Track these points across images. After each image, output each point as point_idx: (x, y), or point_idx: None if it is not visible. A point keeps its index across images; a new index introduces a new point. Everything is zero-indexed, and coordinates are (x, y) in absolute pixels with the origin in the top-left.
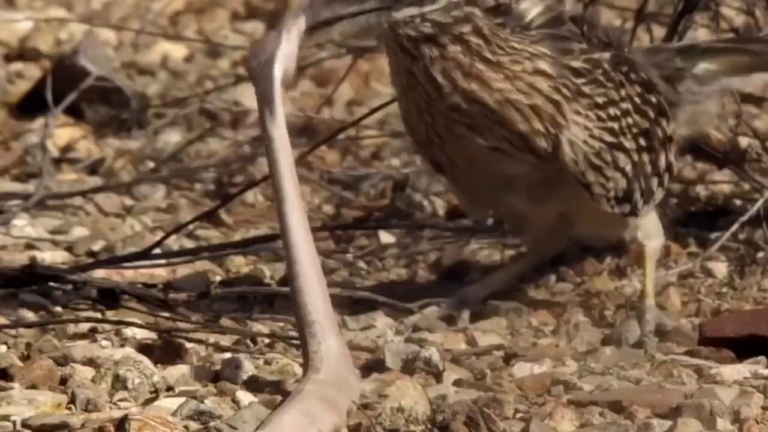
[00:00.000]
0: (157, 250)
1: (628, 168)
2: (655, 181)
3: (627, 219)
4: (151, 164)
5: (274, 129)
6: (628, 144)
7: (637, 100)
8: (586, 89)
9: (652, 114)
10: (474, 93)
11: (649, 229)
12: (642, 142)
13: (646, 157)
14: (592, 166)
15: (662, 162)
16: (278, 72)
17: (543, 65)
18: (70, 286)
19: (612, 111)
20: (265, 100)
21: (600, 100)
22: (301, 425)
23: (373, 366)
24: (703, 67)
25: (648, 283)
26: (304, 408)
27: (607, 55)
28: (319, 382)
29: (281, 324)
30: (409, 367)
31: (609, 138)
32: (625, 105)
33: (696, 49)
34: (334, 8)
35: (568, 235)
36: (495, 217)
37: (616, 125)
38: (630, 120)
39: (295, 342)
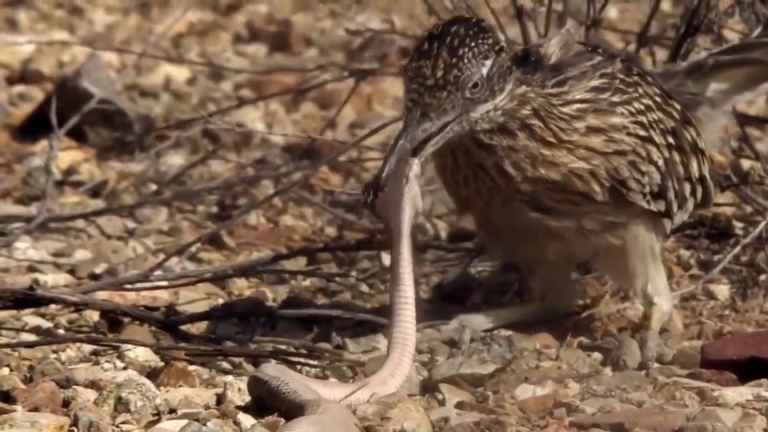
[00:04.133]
0: (159, 273)
1: (661, 163)
2: (687, 187)
3: (644, 265)
4: (153, 187)
5: (403, 267)
6: (658, 139)
7: (658, 99)
8: (614, 98)
9: (676, 115)
10: (541, 176)
11: (658, 286)
12: (671, 139)
13: (677, 156)
14: (628, 162)
15: (694, 169)
16: (408, 215)
17: (592, 120)
18: (72, 309)
19: (637, 105)
20: (396, 239)
21: (626, 97)
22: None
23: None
24: (713, 88)
25: (654, 324)
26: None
27: (618, 64)
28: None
29: (283, 346)
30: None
31: (642, 132)
32: (646, 101)
33: (703, 68)
34: (425, 128)
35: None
36: (510, 259)
37: (644, 119)
38: (654, 116)
39: (296, 362)
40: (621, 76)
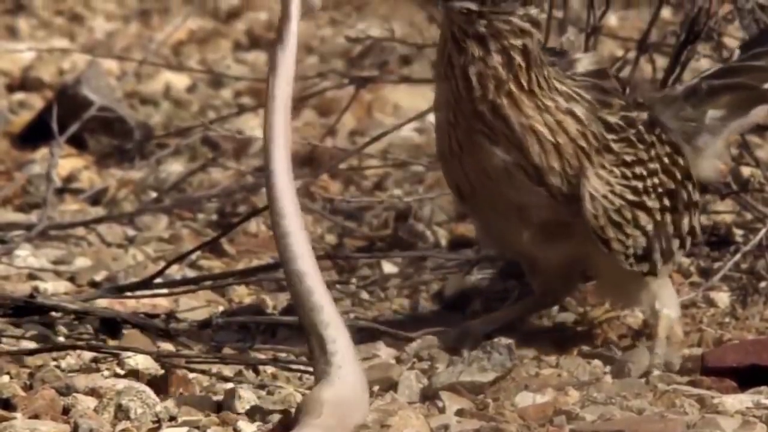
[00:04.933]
0: (159, 280)
1: (650, 227)
2: (676, 243)
3: (643, 281)
4: (153, 194)
5: (281, 53)
6: (651, 203)
7: (666, 160)
8: (614, 146)
9: (679, 176)
10: (501, 108)
11: (665, 298)
12: (666, 202)
13: (668, 218)
14: (612, 222)
15: (685, 225)
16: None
17: (577, 109)
18: (72, 317)
19: (638, 170)
20: (282, 22)
21: (628, 158)
22: None
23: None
24: (711, 115)
25: (660, 332)
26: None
27: (644, 115)
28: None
29: (284, 354)
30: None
31: (631, 196)
32: (653, 165)
33: (699, 93)
34: None
35: (577, 282)
36: (509, 256)
37: (640, 184)
38: (656, 180)
39: (297, 370)
40: (641, 127)
